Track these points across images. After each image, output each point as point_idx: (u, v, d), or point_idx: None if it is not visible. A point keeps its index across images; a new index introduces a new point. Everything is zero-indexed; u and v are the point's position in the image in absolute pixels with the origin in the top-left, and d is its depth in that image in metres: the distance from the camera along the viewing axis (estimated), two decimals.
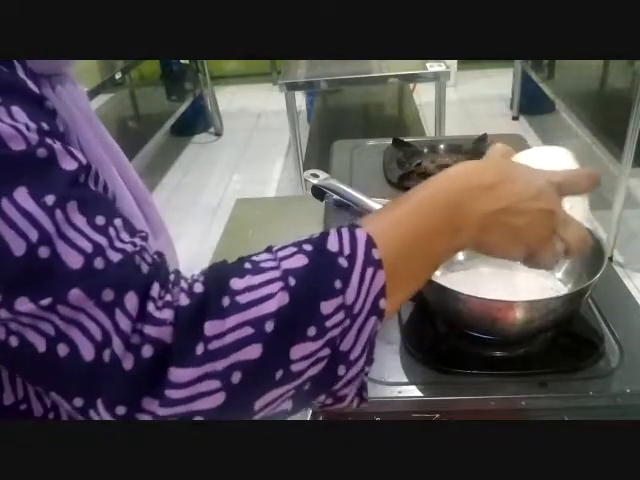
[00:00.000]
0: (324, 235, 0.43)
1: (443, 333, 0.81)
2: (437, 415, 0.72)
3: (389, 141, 1.42)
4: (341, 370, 0.42)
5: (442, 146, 1.39)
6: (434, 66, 2.60)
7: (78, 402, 0.37)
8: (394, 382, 0.75)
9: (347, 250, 0.41)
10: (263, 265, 0.40)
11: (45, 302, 0.35)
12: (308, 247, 0.42)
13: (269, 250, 0.43)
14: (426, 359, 0.77)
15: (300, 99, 3.79)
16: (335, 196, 1.10)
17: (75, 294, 0.35)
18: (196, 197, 3.30)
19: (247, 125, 4.25)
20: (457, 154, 1.33)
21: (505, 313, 0.73)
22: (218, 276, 0.40)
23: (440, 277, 0.86)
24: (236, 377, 0.37)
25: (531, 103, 3.81)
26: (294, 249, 0.42)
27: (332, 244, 0.42)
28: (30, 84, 0.42)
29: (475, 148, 1.34)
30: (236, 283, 0.39)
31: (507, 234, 0.49)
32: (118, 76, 2.95)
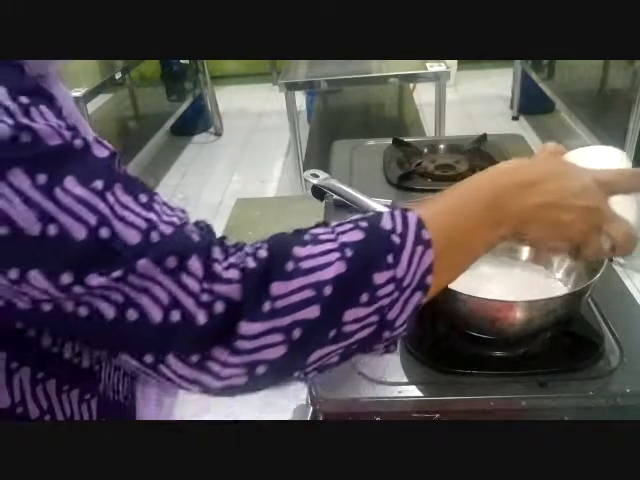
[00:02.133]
0: (379, 214, 0.47)
1: (443, 333, 0.81)
2: (437, 415, 0.72)
3: (389, 141, 1.42)
4: (386, 334, 0.46)
5: (442, 146, 1.39)
6: (434, 66, 2.60)
7: (148, 359, 0.41)
8: (394, 382, 0.75)
9: (399, 229, 0.45)
10: (322, 237, 0.44)
11: (117, 274, 0.38)
12: (364, 224, 0.45)
13: (326, 225, 0.47)
14: (426, 359, 0.77)
15: (300, 99, 3.78)
16: (335, 196, 1.10)
17: (143, 264, 0.38)
18: (196, 197, 3.30)
19: (247, 125, 4.25)
20: (457, 154, 1.33)
21: (505, 313, 0.73)
22: (282, 244, 0.43)
23: None
24: (297, 333, 0.41)
25: (531, 103, 3.81)
26: (351, 225, 0.45)
27: (386, 222, 0.45)
28: (42, 83, 0.43)
29: (475, 148, 1.34)
30: (299, 251, 0.42)
31: (549, 229, 0.51)
32: (118, 76, 2.95)
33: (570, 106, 2.87)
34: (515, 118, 3.93)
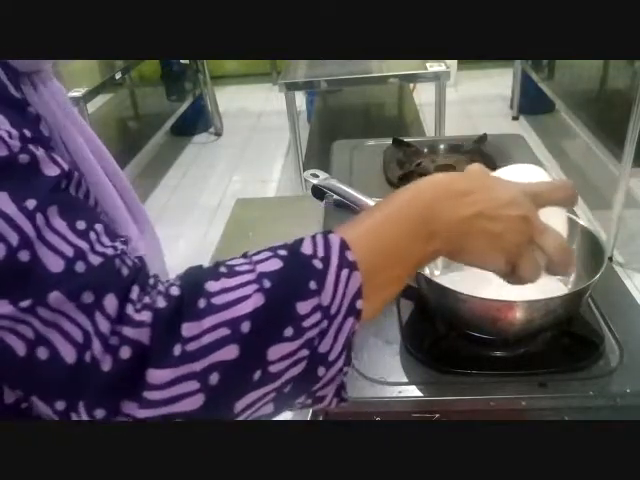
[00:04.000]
0: (298, 241, 0.44)
1: (443, 333, 0.81)
2: (437, 415, 0.72)
3: (389, 141, 1.42)
4: (321, 371, 0.42)
5: (442, 146, 1.39)
6: (434, 66, 2.60)
7: (60, 405, 0.37)
8: (394, 382, 0.75)
9: (321, 252, 0.42)
10: (238, 269, 0.41)
11: (25, 304, 0.35)
12: (283, 252, 0.42)
13: (244, 256, 0.43)
14: (426, 359, 0.77)
15: (300, 99, 3.78)
16: (335, 196, 1.11)
17: (55, 296, 0.35)
18: (196, 197, 3.30)
19: (247, 125, 4.25)
20: (457, 154, 1.33)
21: (505, 313, 0.73)
22: (194, 279, 0.40)
23: (440, 277, 0.86)
24: (214, 378, 0.37)
25: (531, 103, 3.81)
26: (269, 253, 0.42)
27: (306, 247, 0.43)
28: (12, 89, 0.42)
29: (475, 148, 1.34)
30: (211, 285, 0.39)
31: (483, 240, 0.48)
32: (118, 76, 2.95)
33: (570, 106, 2.86)
34: (515, 118, 3.93)
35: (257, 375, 0.39)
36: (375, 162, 1.35)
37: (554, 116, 3.80)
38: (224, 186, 3.40)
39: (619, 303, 0.86)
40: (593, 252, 0.80)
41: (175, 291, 0.39)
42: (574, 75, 3.28)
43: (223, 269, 0.41)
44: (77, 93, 2.40)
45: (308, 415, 0.74)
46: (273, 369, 0.39)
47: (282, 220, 2.65)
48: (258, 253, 0.43)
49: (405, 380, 0.75)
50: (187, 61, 4.00)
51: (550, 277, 0.85)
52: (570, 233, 0.85)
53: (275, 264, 0.41)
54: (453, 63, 4.14)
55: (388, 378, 0.75)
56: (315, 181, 1.12)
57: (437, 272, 0.89)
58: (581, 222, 0.85)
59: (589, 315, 0.83)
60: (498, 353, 0.79)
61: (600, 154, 2.42)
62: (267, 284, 0.39)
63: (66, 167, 0.40)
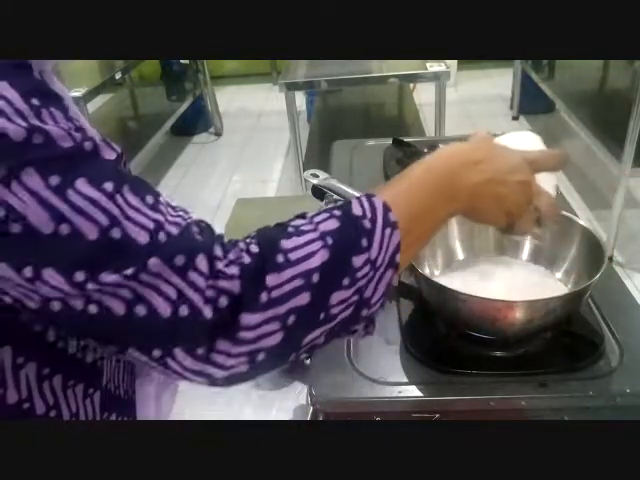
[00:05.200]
0: (348, 202, 0.50)
1: (443, 333, 0.81)
2: (437, 415, 0.72)
3: (389, 141, 1.42)
4: (364, 312, 0.49)
5: (442, 146, 1.39)
6: (434, 66, 2.60)
7: (156, 353, 0.42)
8: (394, 382, 0.75)
9: (369, 214, 0.49)
10: (303, 228, 0.47)
11: (129, 272, 0.39)
12: (337, 212, 0.49)
13: (303, 217, 0.50)
14: (426, 359, 0.77)
15: (300, 99, 3.78)
16: (335, 196, 1.10)
17: (154, 262, 0.40)
18: (196, 197, 3.30)
19: (247, 125, 4.25)
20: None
21: (505, 313, 0.73)
22: (269, 238, 0.46)
23: (440, 277, 0.86)
24: (291, 319, 0.44)
25: (531, 103, 3.81)
26: (327, 214, 0.49)
27: (356, 209, 0.49)
28: (49, 84, 0.43)
29: None
30: (285, 243, 0.45)
31: (493, 201, 0.58)
32: (118, 76, 2.94)
33: (570, 106, 2.86)
34: (515, 118, 3.93)
35: (322, 316, 0.46)
36: (375, 162, 1.35)
37: (554, 116, 3.80)
38: (224, 186, 3.40)
39: (619, 303, 0.86)
40: (593, 252, 0.80)
41: (255, 248, 0.45)
42: (574, 75, 3.28)
43: (291, 229, 0.47)
44: (77, 93, 2.40)
45: (308, 415, 0.74)
46: (333, 311, 0.46)
47: (282, 220, 2.66)
48: (317, 215, 0.49)
49: (405, 380, 0.75)
50: (187, 61, 4.00)
51: (550, 277, 0.85)
52: (570, 233, 0.85)
53: (333, 224, 0.48)
54: (453, 63, 4.13)
55: (388, 378, 0.75)
56: (315, 181, 1.12)
57: (437, 272, 0.89)
58: (581, 222, 0.85)
59: (589, 315, 0.83)
60: (498, 353, 0.79)
61: (600, 154, 2.41)
62: (330, 241, 0.46)
63: (119, 149, 0.44)
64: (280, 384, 1.82)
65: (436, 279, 0.78)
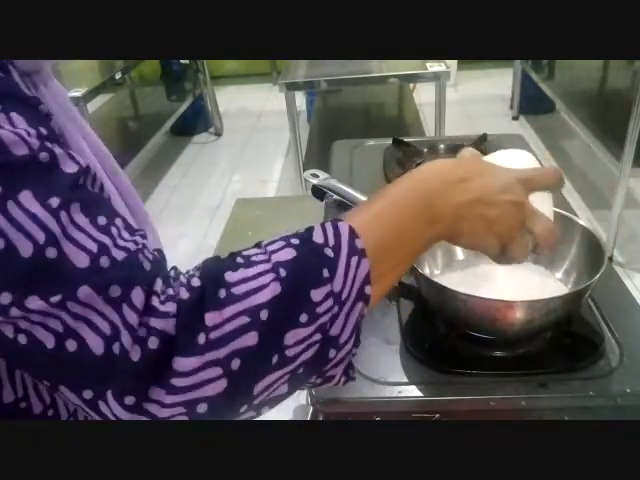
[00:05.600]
0: (309, 229, 0.45)
1: (443, 333, 0.81)
2: (437, 415, 0.72)
3: (389, 141, 1.42)
4: (332, 353, 0.44)
5: (442, 146, 1.39)
6: (434, 66, 2.60)
7: (87, 394, 0.38)
8: (394, 382, 0.75)
9: (332, 241, 0.44)
10: (254, 259, 0.43)
11: (55, 299, 0.36)
12: (295, 240, 0.44)
13: (258, 245, 0.45)
14: (426, 359, 0.77)
15: (300, 99, 3.78)
16: (335, 196, 1.10)
17: (84, 291, 0.36)
18: (196, 197, 3.29)
19: (247, 125, 4.25)
20: (457, 154, 1.32)
21: (505, 313, 0.73)
22: (213, 270, 0.42)
23: (440, 277, 0.86)
24: (236, 364, 0.39)
25: (531, 103, 3.81)
26: (283, 243, 0.44)
27: (317, 236, 0.44)
28: (24, 88, 0.42)
29: (475, 148, 1.34)
30: (230, 276, 0.41)
31: (480, 224, 0.51)
32: (118, 76, 2.94)
33: (570, 106, 2.86)
34: (515, 118, 3.93)
35: (275, 359, 0.41)
36: (375, 162, 1.35)
37: (554, 116, 3.80)
38: (224, 186, 3.40)
39: (619, 303, 0.86)
40: (593, 252, 0.80)
41: (196, 282, 0.40)
42: (574, 75, 3.28)
43: (240, 259, 0.42)
44: (77, 93, 2.40)
45: (308, 415, 0.74)
46: (289, 353, 0.41)
47: (282, 220, 2.66)
48: (272, 243, 0.44)
49: (405, 380, 0.75)
50: (187, 61, 4.00)
51: (550, 277, 0.85)
52: (570, 233, 0.85)
53: (289, 253, 0.43)
54: (453, 63, 4.13)
55: (388, 378, 0.75)
56: (315, 181, 1.12)
57: (437, 272, 0.89)
58: (581, 222, 0.85)
59: (589, 315, 0.83)
60: (498, 353, 0.79)
61: (600, 154, 2.41)
62: (283, 273, 0.41)
63: (83, 163, 0.41)
64: None
65: (436, 279, 0.78)
